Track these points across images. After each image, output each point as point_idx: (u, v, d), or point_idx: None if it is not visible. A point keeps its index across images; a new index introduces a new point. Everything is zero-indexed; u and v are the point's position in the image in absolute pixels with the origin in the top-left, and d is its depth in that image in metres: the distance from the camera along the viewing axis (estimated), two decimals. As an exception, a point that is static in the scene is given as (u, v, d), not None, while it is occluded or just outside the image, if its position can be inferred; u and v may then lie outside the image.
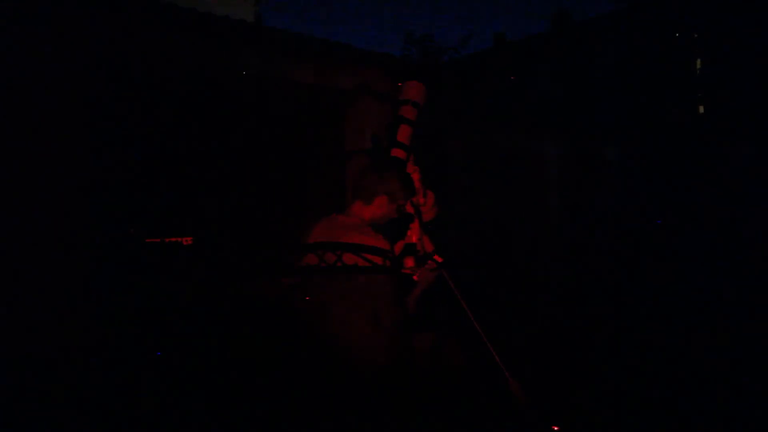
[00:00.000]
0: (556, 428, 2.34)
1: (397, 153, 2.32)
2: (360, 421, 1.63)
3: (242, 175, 4.95)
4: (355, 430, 1.63)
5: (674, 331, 4.87)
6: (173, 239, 3.68)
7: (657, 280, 7.46)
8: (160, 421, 2.86)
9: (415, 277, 2.22)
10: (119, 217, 3.97)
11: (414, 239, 2.27)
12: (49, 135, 3.69)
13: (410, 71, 6.01)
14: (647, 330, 4.92)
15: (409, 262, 2.24)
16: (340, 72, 5.37)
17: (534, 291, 6.67)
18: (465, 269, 2.85)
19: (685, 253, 9.25)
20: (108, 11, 3.97)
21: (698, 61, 12.07)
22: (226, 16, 4.71)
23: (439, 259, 2.28)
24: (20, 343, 3.43)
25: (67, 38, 3.79)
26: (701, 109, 12.26)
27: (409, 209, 2.33)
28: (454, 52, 6.26)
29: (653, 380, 3.58)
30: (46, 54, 3.69)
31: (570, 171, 9.32)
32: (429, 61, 6.07)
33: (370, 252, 1.73)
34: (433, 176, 2.72)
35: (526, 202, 8.60)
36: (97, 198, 3.89)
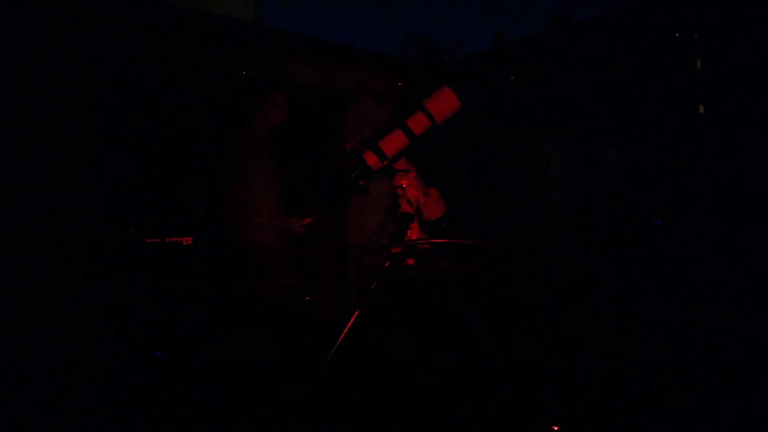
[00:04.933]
0: (556, 428, 2.35)
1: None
2: None
3: (242, 174, 4.94)
4: None
5: (673, 331, 4.88)
6: (173, 239, 3.69)
7: (657, 281, 7.47)
8: (160, 420, 2.86)
9: None
10: (119, 217, 3.97)
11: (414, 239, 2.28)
12: (48, 135, 3.69)
13: (410, 71, 6.00)
14: (646, 330, 4.93)
15: (410, 262, 2.26)
16: (340, 72, 5.36)
17: (534, 290, 6.67)
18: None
19: (685, 254, 9.25)
20: (107, 11, 3.97)
21: (698, 61, 12.07)
22: (226, 16, 4.71)
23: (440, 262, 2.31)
24: (20, 343, 3.43)
25: (67, 38, 3.79)
26: (701, 109, 12.25)
27: (409, 209, 2.34)
28: (454, 52, 6.30)
29: (651, 379, 3.58)
30: (46, 54, 3.69)
31: (570, 171, 9.32)
32: (428, 61, 6.05)
33: None
34: (433, 176, 2.74)
35: (526, 201, 8.60)
36: (98, 198, 3.89)
